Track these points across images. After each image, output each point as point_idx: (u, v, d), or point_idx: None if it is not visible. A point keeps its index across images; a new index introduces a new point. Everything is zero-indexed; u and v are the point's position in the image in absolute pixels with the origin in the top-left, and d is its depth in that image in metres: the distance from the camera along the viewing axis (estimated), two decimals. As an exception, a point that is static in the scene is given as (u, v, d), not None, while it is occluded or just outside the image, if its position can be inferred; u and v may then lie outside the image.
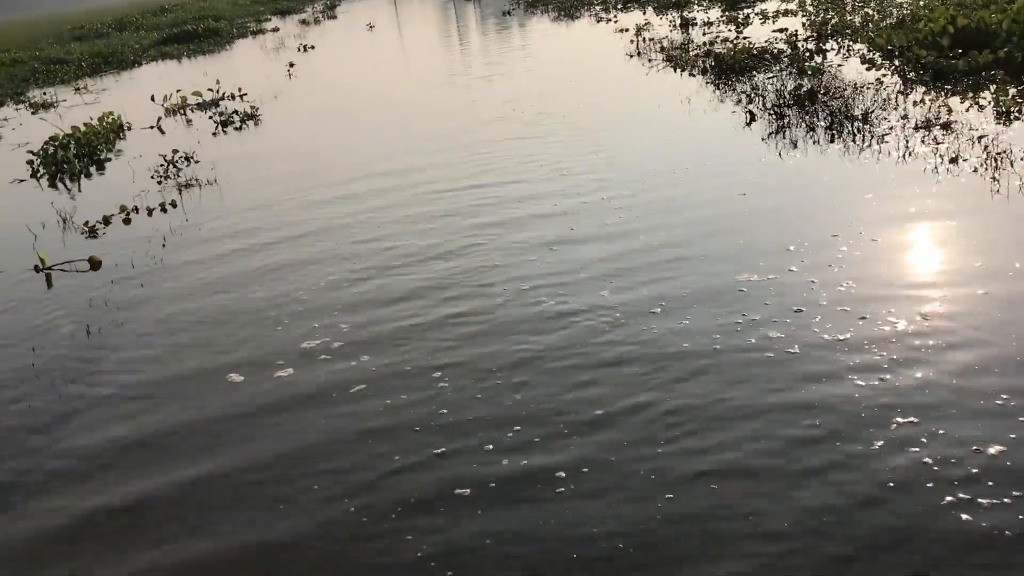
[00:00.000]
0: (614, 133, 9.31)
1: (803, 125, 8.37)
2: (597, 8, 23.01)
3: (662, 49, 14.26)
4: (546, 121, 10.39)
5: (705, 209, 6.28)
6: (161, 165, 10.60)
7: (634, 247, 5.72)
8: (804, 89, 9.48)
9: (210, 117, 13.74)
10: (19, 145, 13.75)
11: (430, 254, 6.19)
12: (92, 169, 11.47)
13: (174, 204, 8.72)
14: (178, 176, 10.03)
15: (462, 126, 10.92)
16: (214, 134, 12.86)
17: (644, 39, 15.63)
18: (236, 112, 13.43)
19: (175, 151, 10.80)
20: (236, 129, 13.01)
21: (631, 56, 14.23)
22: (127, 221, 8.43)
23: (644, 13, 20.29)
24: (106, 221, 8.36)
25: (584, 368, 4.22)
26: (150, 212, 8.55)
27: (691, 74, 12.13)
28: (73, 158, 11.16)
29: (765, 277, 4.93)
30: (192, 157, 10.81)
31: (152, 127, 13.85)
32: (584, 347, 4.43)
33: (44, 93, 21.36)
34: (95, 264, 6.99)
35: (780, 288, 4.77)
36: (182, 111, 15.19)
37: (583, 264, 5.56)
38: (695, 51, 13.48)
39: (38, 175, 11.06)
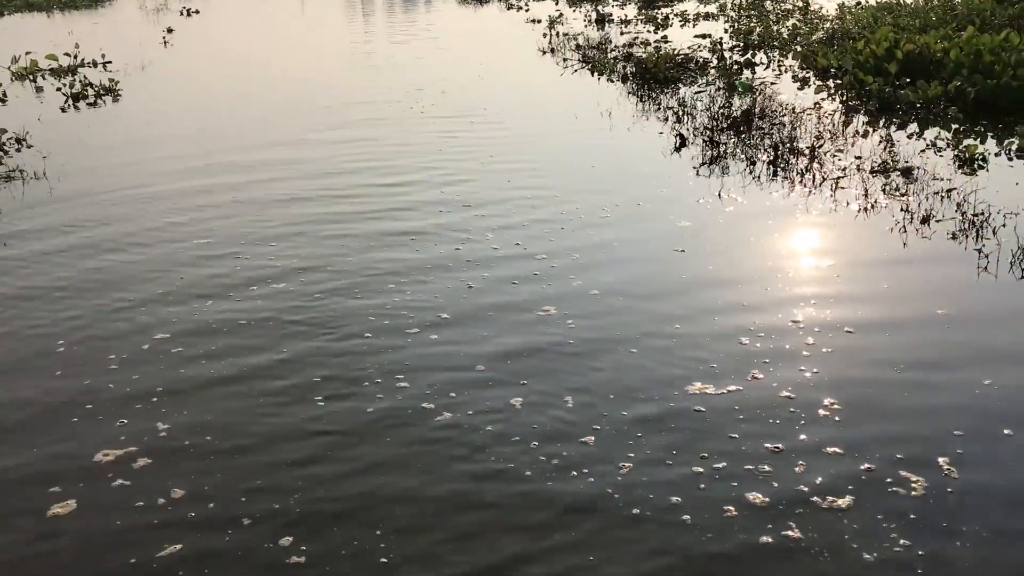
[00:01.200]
0: (528, 149, 8.06)
1: (741, 156, 7.34)
2: (506, -7, 21.78)
3: (577, 47, 13.12)
4: (446, 125, 9.09)
5: (640, 267, 5.04)
6: (-15, 147, 8.85)
7: (548, 333, 4.33)
8: (738, 110, 8.48)
9: (58, 89, 11.86)
10: None
11: (267, 274, 4.85)
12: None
13: (-16, 200, 7.08)
14: (2, 162, 8.33)
15: (341, 120, 9.51)
16: (63, 109, 11.06)
17: (557, 33, 14.47)
18: (91, 85, 11.62)
19: (2, 131, 9.04)
20: (90, 105, 11.24)
21: (544, 52, 13.04)
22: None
23: (556, 3, 19.16)
24: None
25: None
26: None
27: (610, 79, 11.03)
28: None
29: (722, 389, 3.70)
30: (25, 140, 9.07)
31: (-5, 96, 11.92)
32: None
33: None
34: None
35: (744, 404, 3.56)
36: (31, 77, 13.22)
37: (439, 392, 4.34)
38: (613, 52, 12.41)
39: None
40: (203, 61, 14.65)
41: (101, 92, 11.58)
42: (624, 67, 11.27)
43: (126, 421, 3.58)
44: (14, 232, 6.43)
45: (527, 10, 17.97)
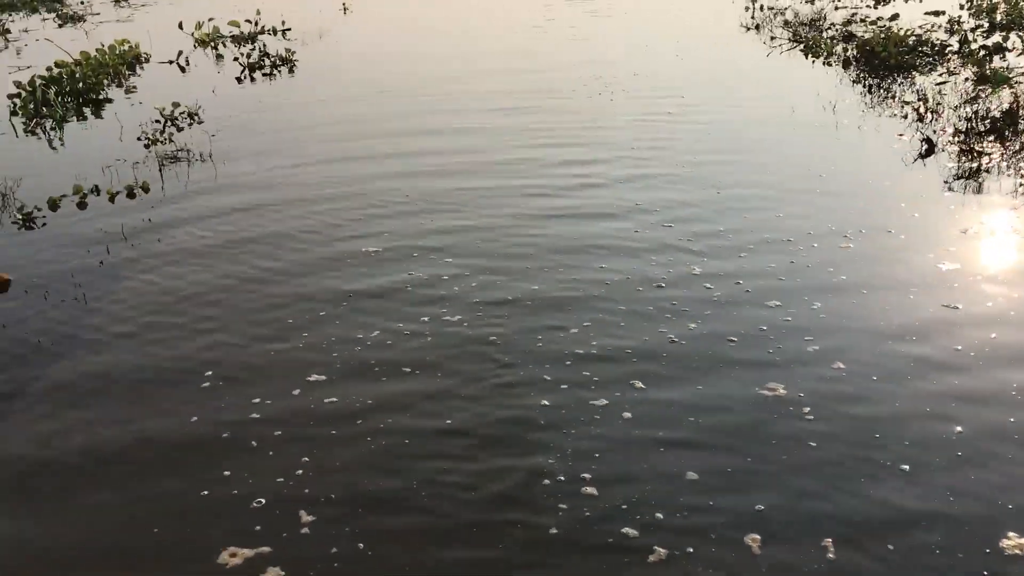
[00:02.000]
0: (737, 148, 6.91)
1: (1009, 170, 5.95)
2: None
3: (786, 24, 11.69)
4: (639, 113, 8.05)
5: (898, 327, 3.88)
6: (157, 121, 8.52)
7: (775, 428, 3.29)
8: (997, 108, 7.01)
9: (235, 59, 11.55)
10: (18, 68, 11.78)
11: (440, 286, 4.04)
12: (86, 112, 9.46)
13: (146, 188, 6.62)
14: (171, 140, 7.94)
15: (521, 104, 8.61)
16: (239, 79, 10.73)
17: (761, 7, 13.03)
18: (267, 55, 11.24)
19: (175, 105, 8.68)
20: (265, 75, 10.86)
21: (747, 29, 11.69)
22: (82, 205, 6.39)
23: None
24: (52, 206, 6.31)
25: None
26: (112, 197, 6.47)
27: (827, 63, 9.64)
28: (57, 100, 9.08)
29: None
30: (197, 115, 8.69)
31: (172, 62, 11.76)
32: None
33: (80, 2, 19.42)
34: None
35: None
36: (212, 44, 13.06)
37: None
38: (829, 30, 10.94)
39: (16, 114, 9.07)
40: (381, 30, 14.14)
41: (277, 63, 11.19)
42: (845, 49, 9.83)
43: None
44: (171, 219, 5.93)
45: None
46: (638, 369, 3.65)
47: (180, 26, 13.11)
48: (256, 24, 13.51)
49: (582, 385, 3.55)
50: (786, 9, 12.80)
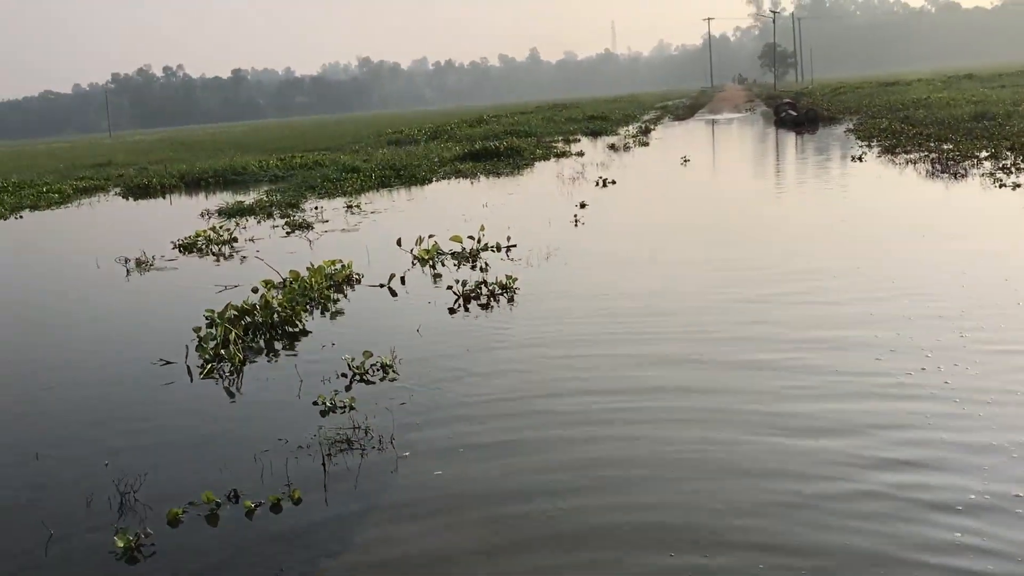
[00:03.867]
0: None
1: None
2: (985, 163, 17.48)
3: None
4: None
5: None
6: (343, 375, 6.99)
7: None
8: None
9: (449, 287, 10.05)
10: (224, 287, 10.97)
11: None
12: (277, 347, 8.20)
13: (296, 500, 4.86)
14: (352, 406, 6.29)
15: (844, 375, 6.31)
16: (451, 310, 9.23)
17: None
18: (485, 283, 9.69)
19: (367, 355, 7.12)
20: (482, 307, 9.30)
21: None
22: (212, 518, 4.71)
23: (1066, 179, 14.64)
24: (172, 521, 4.66)
25: None
26: (250, 511, 4.75)
27: None
28: (237, 343, 7.78)
29: None
30: (392, 366, 7.08)
31: (383, 285, 10.53)
32: None
33: (316, 207, 19.43)
34: None
35: None
36: (431, 263, 11.85)
37: None
38: None
39: (200, 350, 7.89)
40: (614, 245, 12.45)
41: (496, 291, 9.61)
42: None
43: None
44: (319, 552, 4.07)
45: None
46: None
47: (399, 243, 12.03)
48: (478, 241, 12.22)
49: None
50: None
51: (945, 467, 4.79)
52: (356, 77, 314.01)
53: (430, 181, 23.98)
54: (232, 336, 7.65)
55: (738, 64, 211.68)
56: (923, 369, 6.32)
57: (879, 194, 15.61)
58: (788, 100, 45.32)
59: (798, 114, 37.78)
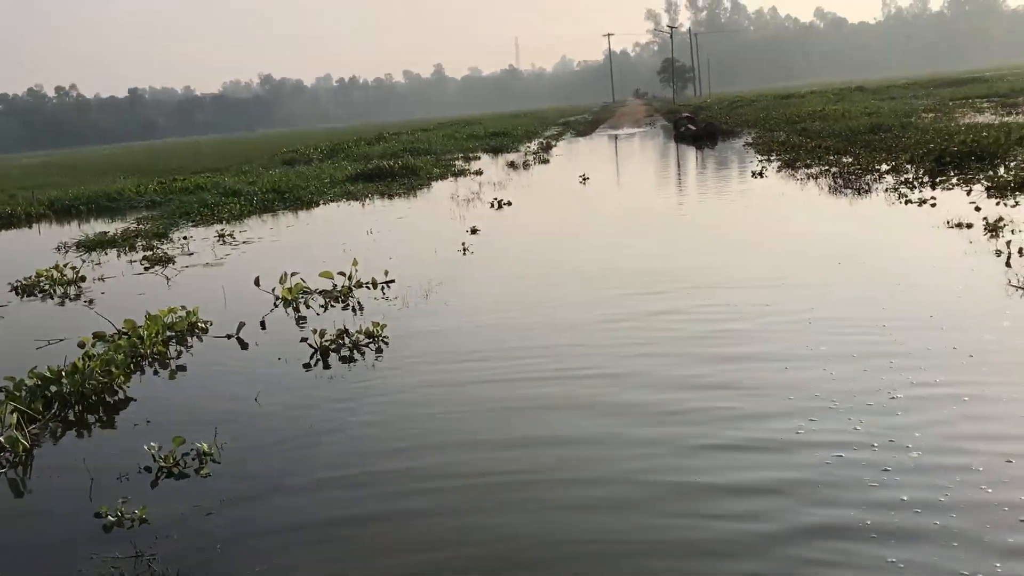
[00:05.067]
0: None
1: None
2: (888, 178, 16.96)
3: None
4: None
5: None
6: (146, 470, 5.59)
7: None
8: None
9: (304, 339, 8.67)
10: (47, 342, 9.38)
11: None
12: (90, 423, 6.73)
13: None
14: (145, 518, 4.92)
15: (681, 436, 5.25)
16: (307, 367, 7.89)
17: (1021, 252, 9.51)
18: (346, 334, 8.35)
19: (179, 442, 5.74)
20: (344, 360, 7.99)
21: (1020, 287, 8.14)
22: None
23: (969, 193, 14.14)
24: None
25: None
26: None
27: None
28: (20, 430, 6.25)
29: None
30: (211, 455, 5.72)
31: (231, 336, 9.10)
32: None
33: (186, 237, 17.75)
34: None
35: None
36: (294, 305, 10.46)
37: None
38: None
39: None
40: (501, 276, 11.27)
41: (360, 341, 8.30)
42: None
43: None
44: None
45: (933, 205, 13.06)
46: None
47: (256, 282, 10.58)
48: (350, 277, 10.88)
49: None
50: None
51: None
52: (258, 95, 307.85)
53: (317, 204, 22.49)
54: (15, 418, 6.14)
55: (638, 79, 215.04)
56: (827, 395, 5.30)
57: (781, 213, 14.86)
58: (687, 115, 45.20)
59: (697, 128, 37.51)
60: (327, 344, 8.13)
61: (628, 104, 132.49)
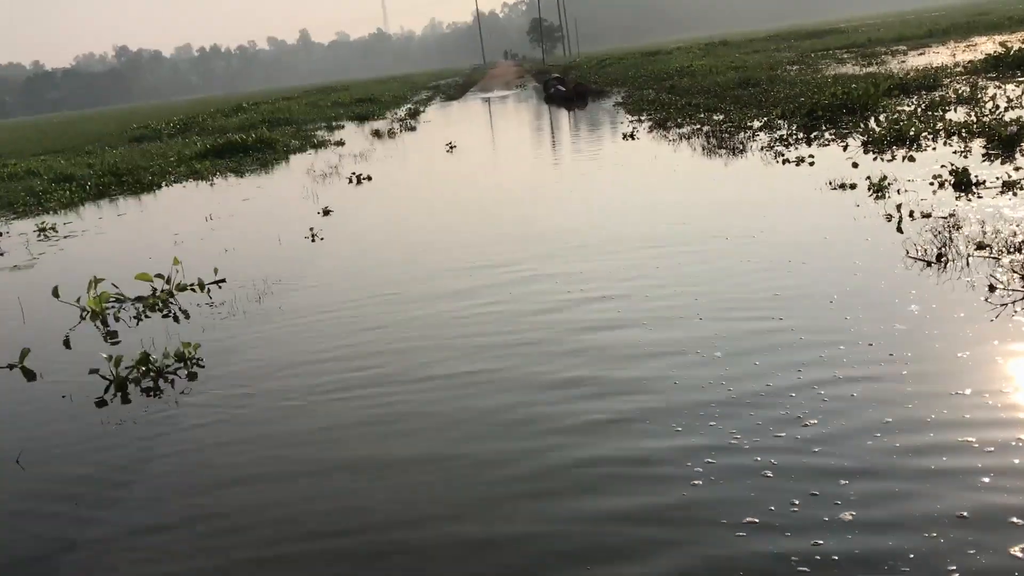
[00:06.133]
0: None
1: None
2: (761, 137, 16.30)
3: (981, 246, 7.36)
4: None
5: None
6: None
7: None
8: None
9: (95, 372, 7.17)
10: None
11: None
12: None
13: None
14: None
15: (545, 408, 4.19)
16: (100, 404, 6.43)
17: (912, 213, 8.79)
18: (150, 364, 6.86)
19: None
20: (147, 392, 6.56)
21: (923, 260, 7.34)
22: None
23: (845, 148, 13.55)
24: None
25: None
26: None
27: None
28: None
29: None
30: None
31: (13, 366, 7.48)
32: None
33: (0, 233, 15.64)
34: None
35: None
36: (102, 317, 8.87)
37: None
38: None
39: None
40: (352, 272, 9.94)
41: (167, 368, 6.86)
42: None
43: None
44: None
45: (811, 163, 12.37)
46: None
47: (55, 293, 8.91)
48: (168, 281, 9.34)
49: None
50: (952, 216, 8.52)
51: None
52: (114, 68, 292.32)
53: (159, 187, 20.48)
54: None
55: (508, 40, 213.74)
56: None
57: (656, 178, 13.95)
58: (556, 76, 44.26)
59: (567, 89, 36.61)
60: (124, 376, 6.65)
61: (499, 66, 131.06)
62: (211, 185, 19.98)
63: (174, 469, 5.18)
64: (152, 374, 6.73)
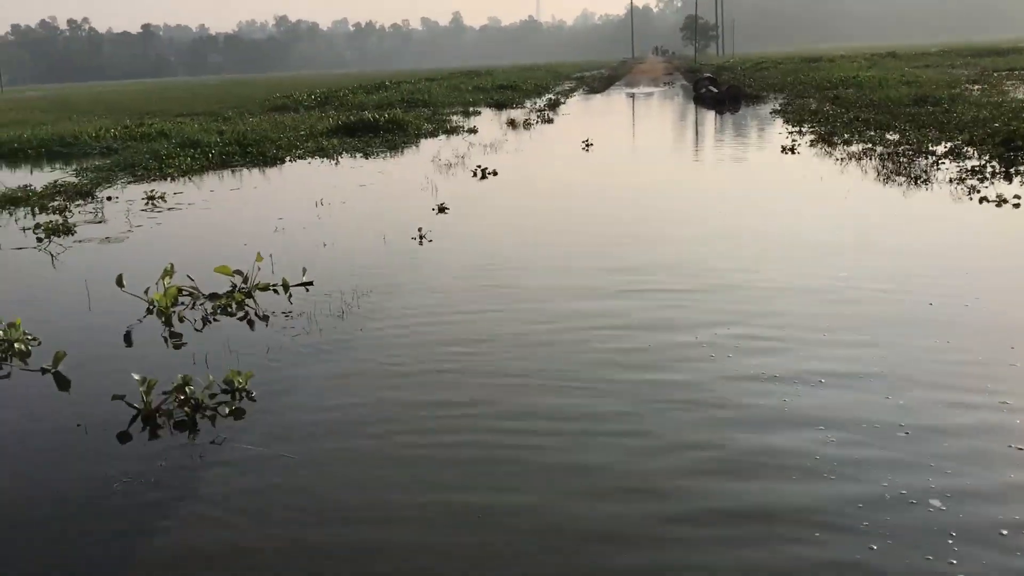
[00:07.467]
0: None
1: None
2: (947, 166, 14.04)
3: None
4: None
5: None
6: None
7: None
8: None
9: (119, 399, 5.99)
10: None
11: None
12: None
13: None
14: None
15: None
16: (123, 438, 5.24)
17: None
18: (186, 388, 5.64)
19: None
20: (180, 426, 5.34)
21: None
22: None
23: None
24: None
25: None
26: None
27: None
28: None
29: None
30: None
31: (46, 370, 6.41)
32: None
33: (112, 197, 15.08)
34: None
35: None
36: (173, 310, 7.78)
37: None
38: None
39: None
40: (455, 289, 8.53)
41: (208, 402, 5.61)
42: None
43: None
44: None
45: (1015, 205, 10.26)
46: None
47: (119, 282, 7.87)
48: (245, 279, 8.18)
49: None
50: None
51: None
52: (273, 36, 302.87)
53: (282, 161, 19.73)
54: None
55: (660, 36, 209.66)
56: None
57: (822, 206, 12.02)
58: (708, 75, 41.97)
59: (719, 91, 34.42)
60: (153, 408, 5.43)
61: (647, 61, 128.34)
62: (335, 164, 19.10)
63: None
64: (189, 406, 5.48)
